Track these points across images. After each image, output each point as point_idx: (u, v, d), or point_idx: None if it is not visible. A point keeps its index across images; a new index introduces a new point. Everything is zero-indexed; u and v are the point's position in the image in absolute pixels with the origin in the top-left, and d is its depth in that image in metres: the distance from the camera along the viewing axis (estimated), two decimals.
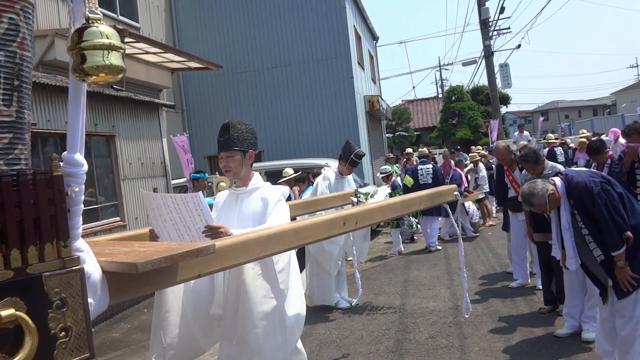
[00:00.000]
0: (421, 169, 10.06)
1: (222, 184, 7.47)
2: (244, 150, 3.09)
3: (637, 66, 78.79)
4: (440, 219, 10.27)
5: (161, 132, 8.48)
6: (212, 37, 15.50)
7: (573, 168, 7.39)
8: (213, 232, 2.56)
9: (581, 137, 12.30)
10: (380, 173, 10.22)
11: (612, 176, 5.44)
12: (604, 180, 3.71)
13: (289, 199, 8.20)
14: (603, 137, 12.82)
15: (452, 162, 11.07)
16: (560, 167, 5.38)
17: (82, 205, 1.61)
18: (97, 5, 1.54)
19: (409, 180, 9.85)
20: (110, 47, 1.50)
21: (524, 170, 5.58)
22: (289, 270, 2.94)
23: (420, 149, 11.92)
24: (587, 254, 3.76)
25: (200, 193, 2.57)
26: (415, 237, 10.97)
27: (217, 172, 11.18)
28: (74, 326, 1.51)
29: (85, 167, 1.60)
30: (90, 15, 1.51)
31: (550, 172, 4.91)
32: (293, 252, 3.02)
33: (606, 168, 5.97)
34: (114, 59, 1.52)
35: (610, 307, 3.80)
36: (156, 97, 10.93)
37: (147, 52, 10.02)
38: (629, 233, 3.52)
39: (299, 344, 3.11)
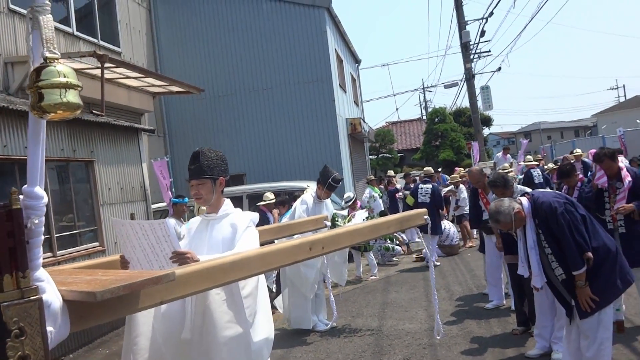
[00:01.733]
0: (421, 188, 10.36)
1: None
2: (214, 178, 3.16)
3: (617, 88, 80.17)
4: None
5: (141, 157, 8.52)
6: (194, 61, 15.61)
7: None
8: (180, 258, 2.62)
9: (575, 154, 12.63)
10: (344, 201, 10.29)
11: (582, 198, 5.61)
12: (567, 201, 3.84)
13: (267, 222, 8.26)
14: (583, 158, 13.08)
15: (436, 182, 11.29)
16: (526, 189, 5.50)
17: (42, 237, 1.68)
18: (55, 45, 1.62)
19: (411, 199, 10.27)
20: (68, 86, 1.58)
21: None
22: (257, 295, 3.00)
23: (425, 169, 12.09)
24: (551, 273, 3.87)
25: (167, 220, 2.63)
26: (395, 259, 11.05)
27: None
28: (32, 354, 1.57)
29: (45, 199, 1.67)
30: (47, 54, 1.59)
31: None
32: (262, 277, 3.08)
33: (576, 191, 6.12)
34: (71, 96, 1.60)
35: (577, 328, 3.90)
36: (137, 121, 10.99)
37: (128, 77, 10.10)
38: (589, 254, 3.65)
39: None
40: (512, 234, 4.23)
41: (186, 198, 7.72)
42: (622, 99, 59.50)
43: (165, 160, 8.37)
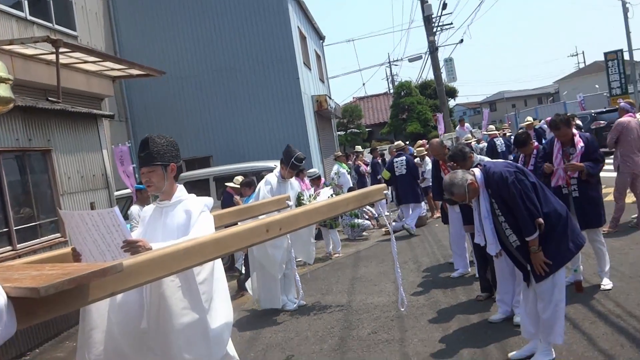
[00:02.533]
0: (396, 162, 10.63)
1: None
2: (165, 164, 3.13)
3: (577, 55, 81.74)
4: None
5: (101, 143, 8.37)
6: (154, 43, 15.34)
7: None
8: (131, 247, 2.61)
9: (526, 123, 12.76)
10: (308, 176, 10.35)
11: (537, 167, 5.76)
12: (518, 170, 3.95)
13: (232, 205, 8.21)
14: (542, 123, 13.28)
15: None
16: (487, 159, 5.59)
17: None
18: None
19: (387, 174, 10.49)
20: None
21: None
22: (212, 280, 3.00)
23: (395, 143, 12.29)
24: (506, 240, 3.98)
25: (116, 208, 2.60)
26: (365, 234, 11.16)
27: None
28: None
29: None
30: None
31: None
32: (218, 261, 3.08)
33: (533, 158, 6.24)
34: (2, 90, 1.57)
35: (533, 291, 4.02)
36: (98, 107, 10.76)
37: (86, 62, 9.87)
38: (540, 220, 3.78)
39: (231, 350, 3.18)
40: (468, 204, 4.32)
41: None
42: (582, 66, 60.53)
43: (126, 146, 8.25)
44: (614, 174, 7.82)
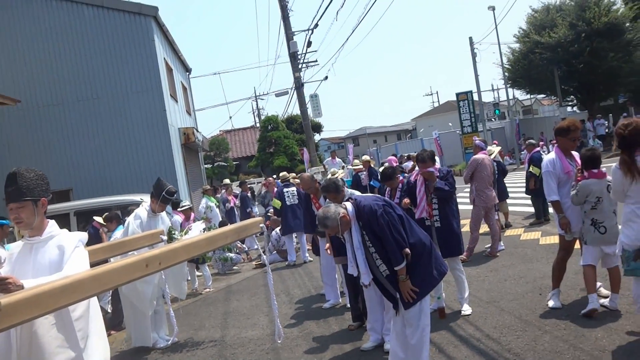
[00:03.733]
0: (287, 191, 10.71)
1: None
2: (36, 199, 2.99)
3: (431, 94, 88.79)
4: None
5: None
6: (9, 69, 14.34)
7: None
8: (0, 284, 2.46)
9: (363, 160, 13.40)
10: (180, 208, 10.34)
11: (402, 198, 6.18)
12: (386, 204, 4.22)
13: (99, 241, 7.85)
14: (371, 165, 13.99)
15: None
16: (357, 194, 5.89)
17: None
18: None
19: (277, 203, 10.59)
20: None
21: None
22: (88, 316, 2.90)
23: (281, 174, 12.34)
24: (376, 270, 4.21)
25: None
26: (236, 267, 11.11)
27: None
28: None
29: None
30: None
31: None
32: (94, 298, 2.97)
33: (398, 192, 6.67)
34: None
35: (402, 319, 4.27)
36: None
37: None
38: (407, 250, 4.06)
39: None
40: (339, 237, 4.53)
41: (8, 220, 7.04)
42: (436, 104, 65.49)
43: None
44: (470, 207, 8.55)
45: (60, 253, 2.98)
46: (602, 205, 5.02)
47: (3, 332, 2.73)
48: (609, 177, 4.95)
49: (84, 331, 2.86)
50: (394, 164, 9.81)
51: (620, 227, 4.69)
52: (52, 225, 3.13)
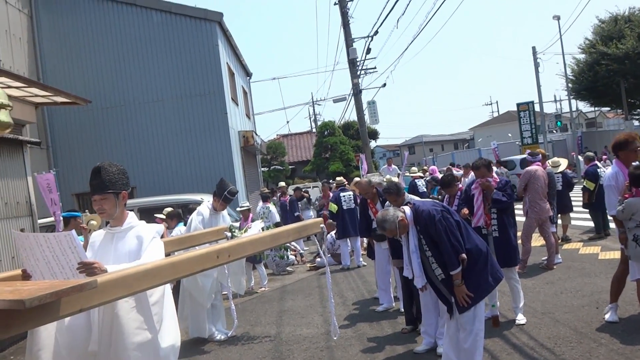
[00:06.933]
0: (343, 196, 11.00)
1: (93, 222, 7.31)
2: (117, 192, 3.25)
3: (491, 104, 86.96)
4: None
5: (26, 170, 8.16)
6: (80, 71, 15.09)
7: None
8: (87, 268, 2.69)
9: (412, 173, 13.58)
10: (239, 208, 10.67)
11: (460, 205, 6.22)
12: (444, 209, 4.31)
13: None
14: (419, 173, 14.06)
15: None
16: (417, 199, 5.99)
17: None
18: None
19: (334, 207, 10.77)
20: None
21: (387, 202, 6.14)
22: (163, 302, 3.13)
23: (337, 179, 12.51)
24: (432, 273, 4.30)
25: (73, 231, 2.70)
26: (290, 269, 11.33)
27: (87, 210, 10.85)
28: None
29: None
30: None
31: None
32: (167, 285, 3.20)
33: (456, 199, 6.71)
34: (3, 116, 1.70)
35: (456, 323, 4.35)
36: (19, 133, 10.46)
37: (9, 87, 9.62)
38: (463, 255, 4.13)
39: None
40: (397, 239, 4.64)
41: (79, 212, 7.47)
42: (495, 114, 64.28)
43: (51, 173, 8.04)
44: (524, 218, 8.49)
45: (138, 243, 3.22)
46: None
47: (84, 313, 2.98)
48: None
49: (159, 315, 3.08)
50: (435, 174, 9.84)
51: None
52: (131, 216, 3.38)
